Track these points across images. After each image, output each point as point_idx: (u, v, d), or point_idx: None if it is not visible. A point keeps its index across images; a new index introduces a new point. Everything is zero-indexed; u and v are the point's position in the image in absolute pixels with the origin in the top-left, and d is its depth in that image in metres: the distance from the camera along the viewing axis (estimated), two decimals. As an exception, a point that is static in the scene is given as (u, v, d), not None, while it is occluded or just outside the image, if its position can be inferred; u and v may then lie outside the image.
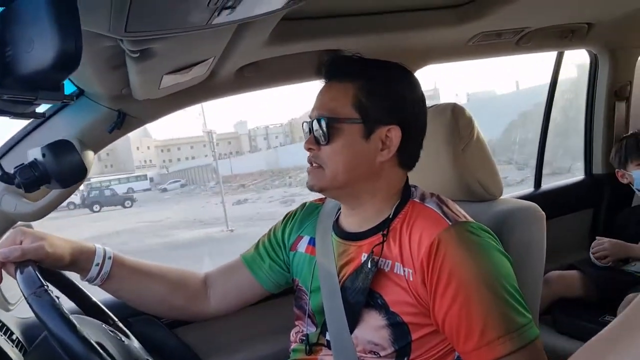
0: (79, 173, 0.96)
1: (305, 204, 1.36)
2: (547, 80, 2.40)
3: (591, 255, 2.07)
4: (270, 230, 1.36)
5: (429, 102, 1.22)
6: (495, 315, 0.95)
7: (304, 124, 1.16)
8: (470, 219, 1.08)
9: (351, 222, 1.18)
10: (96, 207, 16.53)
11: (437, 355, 1.07)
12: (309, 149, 1.13)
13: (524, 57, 2.47)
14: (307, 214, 1.32)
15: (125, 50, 0.93)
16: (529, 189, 2.44)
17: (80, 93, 1.37)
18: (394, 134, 1.11)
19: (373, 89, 1.11)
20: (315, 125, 1.11)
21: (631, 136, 2.11)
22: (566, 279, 2.01)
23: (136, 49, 0.91)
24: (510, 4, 1.50)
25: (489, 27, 1.67)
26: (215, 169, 22.71)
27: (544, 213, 1.26)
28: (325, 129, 1.09)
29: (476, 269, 0.98)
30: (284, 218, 1.36)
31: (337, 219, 1.23)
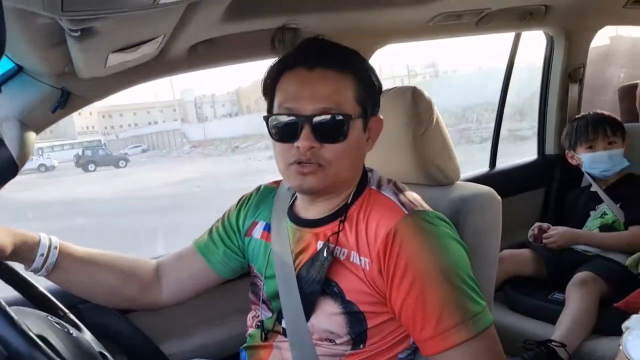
0: (9, 170, 0.88)
1: (260, 187, 1.31)
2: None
3: (529, 238, 2.10)
4: (224, 216, 1.32)
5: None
6: (451, 304, 0.96)
7: (295, 116, 1.03)
8: (427, 207, 1.07)
9: (308, 209, 1.15)
10: (91, 167, 15.98)
11: (393, 341, 1.08)
12: (310, 148, 1.01)
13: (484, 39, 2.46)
14: (262, 197, 1.28)
15: (64, 28, 0.86)
16: (484, 168, 2.47)
17: (19, 70, 1.27)
18: (378, 124, 1.10)
19: (366, 80, 1.07)
20: (323, 119, 1.01)
21: (582, 118, 2.14)
22: (518, 258, 2.06)
23: (76, 27, 0.85)
24: None
25: (449, 8, 1.65)
26: (185, 134, 22.06)
27: (500, 198, 1.27)
28: (337, 126, 1.02)
29: (432, 259, 0.98)
30: (238, 202, 1.31)
31: (292, 204, 1.20)
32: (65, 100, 1.31)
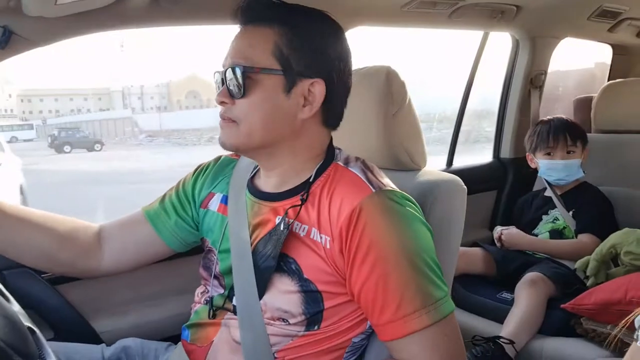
0: None
1: (219, 157, 1.23)
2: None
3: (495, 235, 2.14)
4: (178, 184, 1.23)
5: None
6: (413, 289, 0.91)
7: (216, 73, 1.02)
8: (394, 187, 1.02)
9: (268, 182, 1.08)
10: (67, 148, 15.20)
11: (349, 324, 1.02)
12: (221, 103, 1.00)
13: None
14: (220, 168, 1.20)
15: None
16: (442, 165, 2.47)
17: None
18: (318, 89, 1.00)
19: (296, 37, 0.99)
20: (229, 74, 0.97)
21: (545, 123, 2.15)
22: (469, 256, 2.06)
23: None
24: None
25: (426, -6, 1.62)
26: (135, 123, 21.19)
27: (465, 187, 1.24)
28: (240, 79, 0.96)
29: (397, 240, 0.93)
30: (195, 171, 1.23)
31: (252, 177, 1.13)
32: (7, 40, 1.17)
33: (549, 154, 2.10)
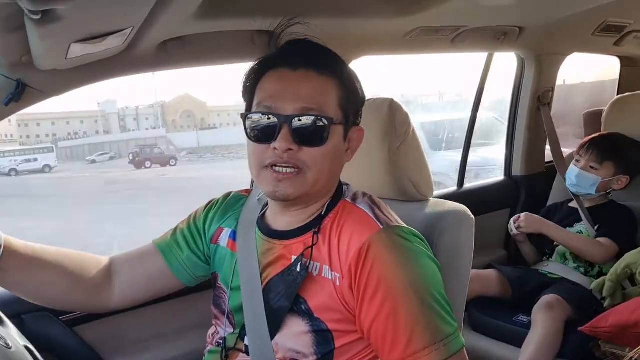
0: None
1: (230, 193, 1.25)
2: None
3: (511, 224, 2.14)
4: (190, 217, 1.24)
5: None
6: (422, 325, 0.91)
7: (274, 115, 0.97)
8: (402, 223, 1.03)
9: (280, 221, 1.09)
10: (147, 164, 15.96)
11: None
12: (288, 150, 0.96)
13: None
14: (230, 204, 1.21)
15: (24, 10, 0.78)
16: (452, 187, 2.46)
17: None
18: (358, 135, 1.07)
19: (350, 86, 1.03)
20: (305, 120, 0.96)
21: (598, 137, 2.13)
22: (483, 278, 2.04)
23: (36, 9, 0.77)
24: (449, 0, 1.47)
25: (427, 22, 1.65)
26: (170, 141, 21.47)
27: (473, 217, 1.24)
28: (318, 129, 0.97)
29: (406, 276, 0.94)
30: (206, 205, 1.24)
31: (262, 215, 1.14)
32: (21, 93, 1.22)
33: (578, 160, 2.11)
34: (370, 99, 1.30)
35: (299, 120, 0.96)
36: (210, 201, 1.25)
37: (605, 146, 2.07)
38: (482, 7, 1.65)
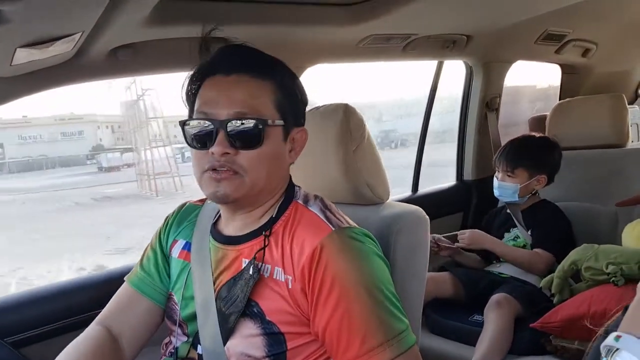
0: None
1: (185, 204, 1.23)
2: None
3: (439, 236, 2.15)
4: (152, 239, 1.21)
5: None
6: (376, 323, 0.93)
7: (200, 121, 0.99)
8: (353, 224, 1.04)
9: (231, 226, 1.09)
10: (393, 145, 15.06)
11: None
12: (225, 154, 0.97)
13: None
14: (184, 215, 1.20)
15: (-35, 12, 0.76)
16: (407, 192, 2.51)
17: None
18: (302, 136, 1.07)
19: (287, 88, 1.04)
20: (236, 124, 0.97)
21: (505, 147, 2.20)
22: (437, 280, 2.08)
23: (-21, 10, 0.74)
24: (400, 8, 1.51)
25: (379, 30, 1.68)
26: None
27: (427, 217, 1.27)
28: (256, 131, 0.97)
29: (359, 276, 0.95)
30: (164, 221, 1.22)
31: (215, 222, 1.13)
32: (-39, 101, 1.17)
33: (497, 173, 2.19)
34: (325, 105, 1.31)
35: (234, 124, 0.97)
36: (167, 216, 1.23)
37: (512, 154, 2.14)
38: (431, 16, 1.70)
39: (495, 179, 2.18)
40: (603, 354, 0.58)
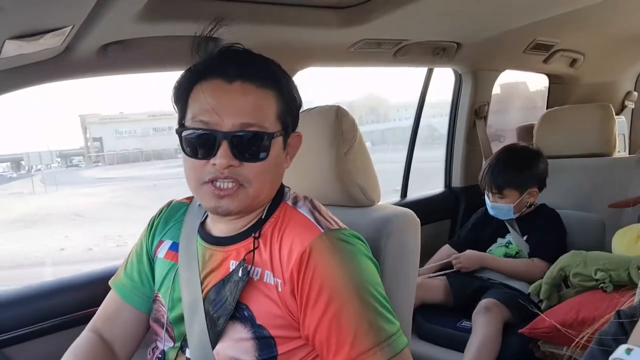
0: None
1: (171, 202, 1.21)
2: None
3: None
4: (136, 242, 1.19)
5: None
6: (366, 326, 0.91)
7: (212, 132, 0.94)
8: (343, 225, 1.03)
9: (220, 227, 1.07)
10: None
11: None
12: (228, 166, 0.94)
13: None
14: (171, 213, 1.18)
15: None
16: (395, 198, 2.51)
17: None
18: (297, 141, 1.06)
19: (288, 96, 1.01)
20: (244, 137, 0.94)
21: (490, 166, 2.16)
22: (426, 285, 2.08)
23: (-32, -2, 0.73)
24: (392, 13, 1.52)
25: (371, 35, 1.69)
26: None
27: (419, 220, 1.27)
28: (258, 144, 0.95)
29: (348, 278, 0.94)
30: (148, 223, 1.19)
31: (203, 221, 1.11)
32: (-54, 95, 1.15)
33: (487, 194, 2.16)
34: (317, 107, 1.31)
35: (239, 137, 0.94)
36: (152, 217, 1.20)
37: (497, 175, 2.10)
38: (422, 22, 1.71)
39: (486, 198, 2.15)
40: None
